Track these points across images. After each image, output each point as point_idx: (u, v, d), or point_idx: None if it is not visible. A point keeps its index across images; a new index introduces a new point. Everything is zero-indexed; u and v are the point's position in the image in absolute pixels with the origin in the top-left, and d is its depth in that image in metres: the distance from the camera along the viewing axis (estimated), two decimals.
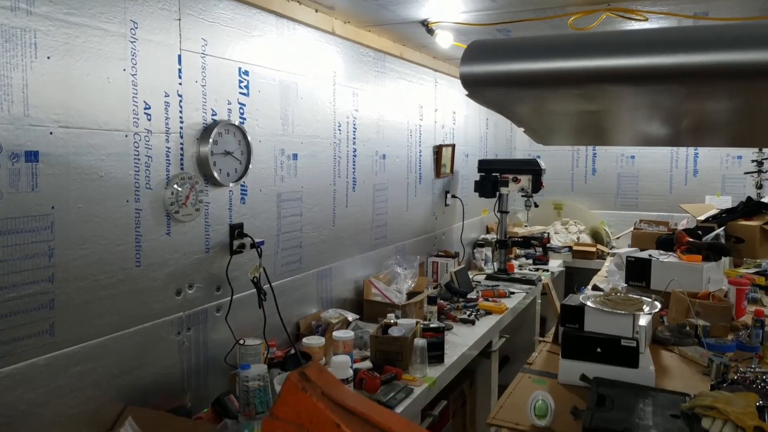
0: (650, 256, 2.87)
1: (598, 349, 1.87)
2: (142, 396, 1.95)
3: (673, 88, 1.20)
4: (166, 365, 2.04)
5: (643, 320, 1.91)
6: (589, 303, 1.92)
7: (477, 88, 1.24)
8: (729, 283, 2.72)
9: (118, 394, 1.87)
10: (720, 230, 3.36)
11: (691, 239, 2.94)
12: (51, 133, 1.65)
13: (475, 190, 4.42)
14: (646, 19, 2.50)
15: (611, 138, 2.19)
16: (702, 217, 3.85)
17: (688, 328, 2.29)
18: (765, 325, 2.24)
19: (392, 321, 2.71)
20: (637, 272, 2.86)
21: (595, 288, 2.74)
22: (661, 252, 2.97)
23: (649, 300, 1.96)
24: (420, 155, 3.97)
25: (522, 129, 1.77)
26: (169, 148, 2.02)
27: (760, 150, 5.13)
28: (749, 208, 3.73)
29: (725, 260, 3.10)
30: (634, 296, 1.96)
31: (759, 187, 5.18)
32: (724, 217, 3.74)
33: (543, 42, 1.19)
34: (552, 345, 2.30)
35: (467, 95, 1.32)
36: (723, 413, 1.46)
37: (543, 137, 2.06)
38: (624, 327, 1.86)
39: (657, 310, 1.91)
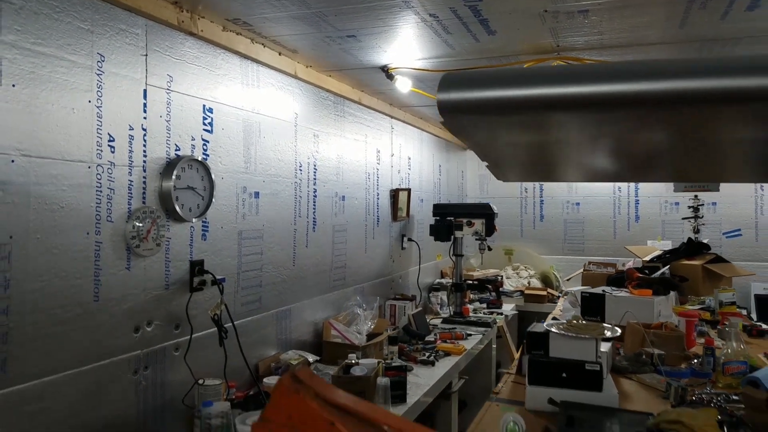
0: (603, 291, 2.97)
1: (564, 374, 1.91)
2: None
3: (630, 114, 1.29)
4: (122, 406, 1.95)
5: (605, 347, 1.97)
6: (553, 329, 1.96)
7: (452, 114, 1.30)
8: (679, 315, 2.84)
9: None
10: (665, 269, 3.52)
11: (640, 275, 3.07)
12: (12, 161, 1.61)
13: (431, 234, 4.49)
14: None
15: (568, 174, 2.30)
16: (647, 258, 4.03)
17: (644, 356, 2.37)
18: (715, 353, 2.34)
19: (353, 361, 2.68)
20: (592, 307, 2.95)
21: (555, 319, 2.80)
22: (614, 288, 3.09)
23: (609, 326, 2.03)
24: (378, 198, 4.03)
25: (486, 164, 1.85)
26: (131, 181, 1.99)
27: (696, 197, 5.46)
28: (691, 248, 3.92)
29: (672, 297, 3.23)
30: (595, 323, 2.02)
31: (696, 231, 5.48)
32: (668, 257, 3.92)
33: (513, 71, 1.27)
34: (516, 376, 2.33)
35: (442, 122, 1.38)
36: (687, 426, 1.51)
37: (505, 174, 2.14)
38: (587, 351, 1.91)
39: (618, 334, 1.98)
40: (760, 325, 3.21)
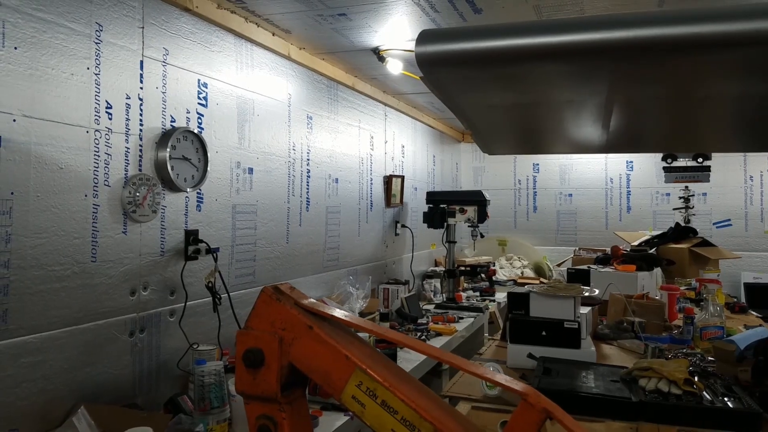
0: (589, 267, 3.04)
1: (543, 333, 1.98)
2: (93, 394, 1.91)
3: (608, 66, 1.36)
4: (118, 365, 2.01)
5: (584, 309, 2.04)
6: (534, 289, 2.04)
7: (430, 68, 1.38)
8: (661, 289, 2.91)
9: (69, 390, 1.84)
10: (652, 250, 3.59)
11: (625, 251, 3.14)
12: (14, 120, 1.68)
13: (424, 221, 4.55)
14: None
15: (552, 143, 2.37)
16: (635, 243, 4.10)
17: (625, 324, 2.44)
18: (694, 321, 2.41)
19: None
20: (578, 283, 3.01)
21: None
22: (600, 266, 3.16)
23: (588, 288, 2.10)
24: (371, 183, 4.10)
25: (470, 132, 1.92)
26: (128, 148, 2.06)
27: (686, 188, 5.54)
28: (678, 232, 4.00)
29: (658, 277, 3.30)
30: (575, 284, 2.09)
31: (687, 222, 5.56)
32: (655, 241, 3.99)
33: (486, 26, 1.35)
34: (500, 341, 2.40)
35: (421, 78, 1.45)
36: (657, 372, 1.58)
37: (490, 145, 2.21)
38: (566, 311, 1.98)
39: (596, 294, 2.05)
40: (743, 302, 3.28)
